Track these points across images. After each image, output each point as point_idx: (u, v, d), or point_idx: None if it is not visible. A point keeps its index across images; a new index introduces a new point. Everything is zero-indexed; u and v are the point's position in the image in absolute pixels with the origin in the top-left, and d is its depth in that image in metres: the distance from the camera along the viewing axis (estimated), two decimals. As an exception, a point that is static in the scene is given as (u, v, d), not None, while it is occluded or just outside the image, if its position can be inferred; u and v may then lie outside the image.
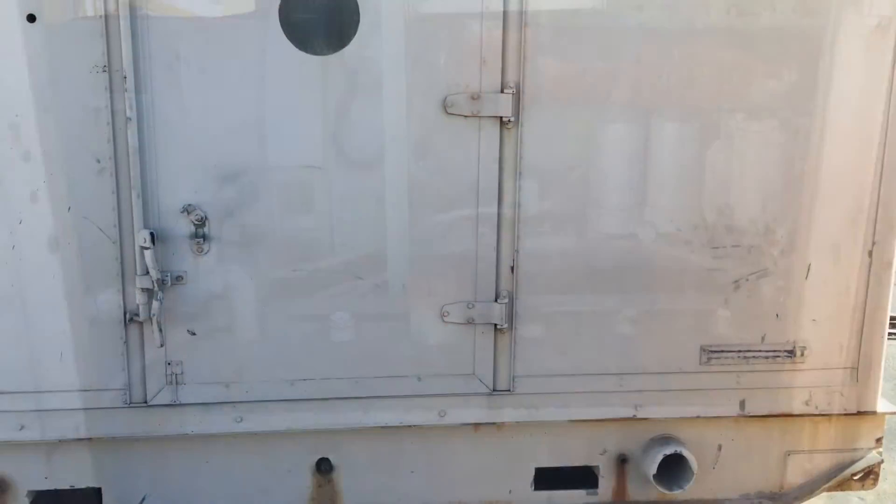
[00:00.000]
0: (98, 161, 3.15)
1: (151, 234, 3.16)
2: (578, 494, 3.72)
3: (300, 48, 3.15)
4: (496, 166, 3.32)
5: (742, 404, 3.64)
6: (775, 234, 3.49)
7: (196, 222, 3.23)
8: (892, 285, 3.60)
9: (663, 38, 3.28)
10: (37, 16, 3.03)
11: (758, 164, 3.42)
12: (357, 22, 3.16)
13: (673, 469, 3.62)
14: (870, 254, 3.54)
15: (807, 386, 3.65)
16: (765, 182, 3.43)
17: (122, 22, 3.04)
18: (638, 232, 3.43)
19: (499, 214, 3.37)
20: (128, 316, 3.28)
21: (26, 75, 3.05)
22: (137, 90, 3.09)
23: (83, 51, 3.06)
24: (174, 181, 3.20)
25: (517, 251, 3.40)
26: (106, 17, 3.04)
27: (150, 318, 3.22)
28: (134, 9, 3.04)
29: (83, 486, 3.49)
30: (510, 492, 3.69)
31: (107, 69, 3.08)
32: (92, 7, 3.03)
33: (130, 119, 3.10)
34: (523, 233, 3.38)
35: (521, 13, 3.20)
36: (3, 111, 3.07)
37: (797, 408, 3.67)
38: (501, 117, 3.28)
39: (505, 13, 3.20)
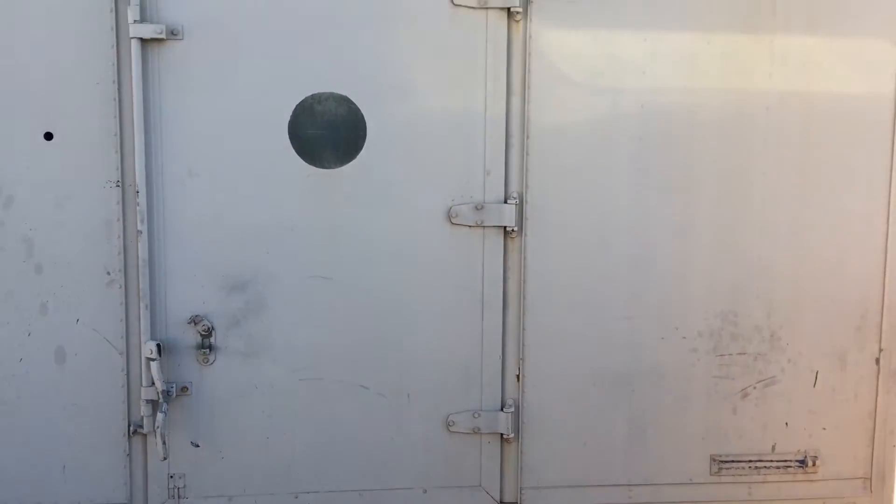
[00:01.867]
0: (108, 273, 3.20)
1: (158, 345, 3.18)
2: None
3: (309, 162, 3.24)
4: (501, 275, 3.36)
5: (755, 516, 3.57)
6: (781, 342, 3.48)
7: (203, 332, 3.25)
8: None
9: (663, 147, 3.35)
10: (54, 134, 3.13)
11: (762, 272, 3.44)
12: (364, 136, 3.26)
13: (686, 584, 3.52)
14: (877, 361, 3.53)
15: (820, 497, 3.57)
16: (769, 289, 3.45)
17: (136, 137, 3.13)
18: (643, 339, 3.44)
19: (504, 323, 3.38)
20: (132, 428, 3.27)
21: (42, 191, 3.14)
22: (149, 204, 3.17)
23: (97, 166, 3.15)
24: (182, 292, 3.23)
25: (523, 359, 3.40)
26: (121, 133, 3.14)
27: (155, 431, 3.20)
28: (148, 125, 3.15)
29: None
30: None
31: (120, 184, 3.17)
32: (107, 124, 3.14)
33: (141, 232, 3.16)
34: (529, 341, 3.39)
35: (524, 125, 3.30)
36: (17, 225, 3.14)
37: (811, 520, 3.60)
38: (505, 227, 3.33)
39: (508, 126, 3.30)
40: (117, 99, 3.13)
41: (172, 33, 3.13)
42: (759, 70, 3.35)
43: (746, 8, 3.33)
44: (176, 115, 3.17)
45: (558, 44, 3.29)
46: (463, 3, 3.24)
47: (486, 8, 3.25)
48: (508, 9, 3.25)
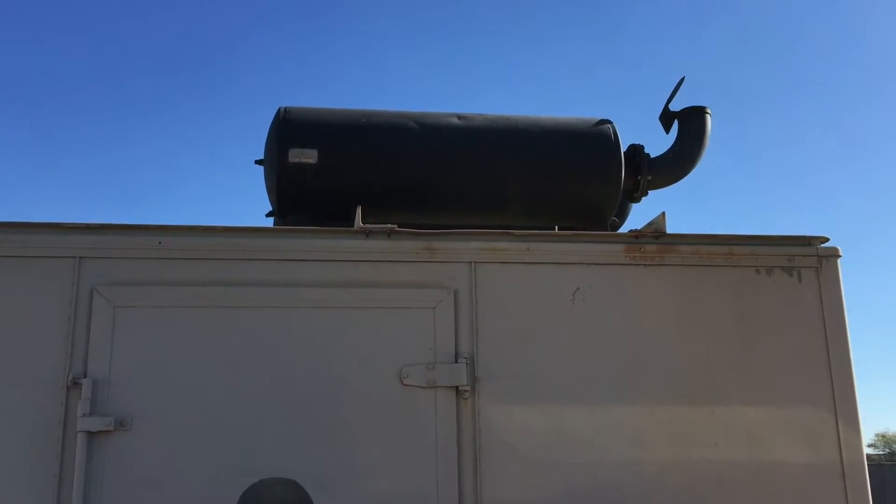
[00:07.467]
0: None
1: None
2: None
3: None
4: None
5: None
6: None
7: None
8: None
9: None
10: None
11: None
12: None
13: None
14: None
15: None
16: None
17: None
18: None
19: None
20: None
21: None
22: None
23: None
24: None
25: None
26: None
27: None
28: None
29: None
30: None
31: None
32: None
33: None
34: None
35: (477, 504, 3.24)
36: None
37: None
38: None
39: (462, 505, 3.24)
40: (56, 496, 3.04)
41: (121, 424, 3.12)
42: (705, 440, 3.41)
43: (685, 380, 3.46)
44: (117, 506, 3.06)
45: (507, 419, 3.34)
46: (412, 384, 3.32)
47: (435, 387, 3.33)
48: (457, 388, 3.33)
